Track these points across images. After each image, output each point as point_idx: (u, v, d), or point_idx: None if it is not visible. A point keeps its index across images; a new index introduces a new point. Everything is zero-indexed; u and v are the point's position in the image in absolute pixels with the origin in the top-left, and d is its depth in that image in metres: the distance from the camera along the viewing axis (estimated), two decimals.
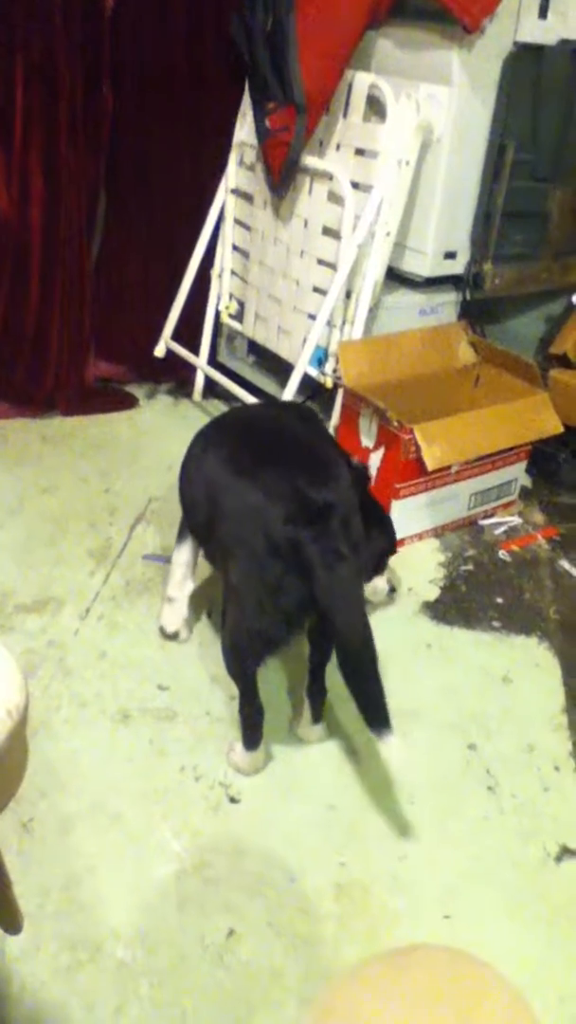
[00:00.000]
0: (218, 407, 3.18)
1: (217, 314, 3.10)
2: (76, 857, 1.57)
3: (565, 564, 2.49)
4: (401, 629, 2.19)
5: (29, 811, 1.64)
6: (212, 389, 3.19)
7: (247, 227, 2.92)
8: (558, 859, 1.66)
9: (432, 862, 1.63)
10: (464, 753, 1.87)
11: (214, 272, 3.06)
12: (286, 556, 1.49)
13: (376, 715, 1.54)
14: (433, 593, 2.33)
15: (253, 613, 1.58)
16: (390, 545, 2.17)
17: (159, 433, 3.00)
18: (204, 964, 1.43)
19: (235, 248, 3.01)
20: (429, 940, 1.49)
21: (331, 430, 2.59)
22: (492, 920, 1.55)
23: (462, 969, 0.85)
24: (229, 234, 2.98)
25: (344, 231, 2.47)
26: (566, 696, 2.04)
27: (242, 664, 1.67)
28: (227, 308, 3.07)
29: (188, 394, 3.23)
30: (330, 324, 2.59)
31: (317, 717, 1.79)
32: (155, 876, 1.55)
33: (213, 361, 3.19)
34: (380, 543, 2.12)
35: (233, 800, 1.71)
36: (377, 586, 2.18)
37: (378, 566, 2.16)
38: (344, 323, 2.59)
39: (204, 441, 1.81)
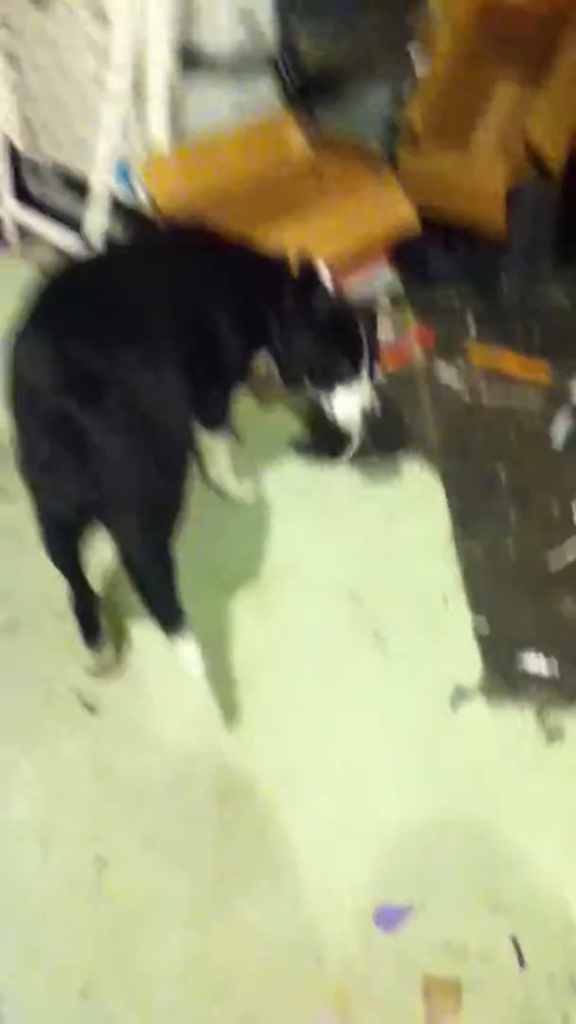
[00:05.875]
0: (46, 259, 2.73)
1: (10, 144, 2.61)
2: None
3: (444, 376, 2.25)
4: (271, 475, 1.96)
5: None
6: (30, 235, 2.73)
7: (8, 27, 2.39)
8: (454, 703, 1.53)
9: (325, 738, 1.49)
10: (349, 609, 1.69)
11: None
12: (55, 432, 1.21)
13: (161, 620, 1.33)
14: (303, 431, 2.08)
15: (35, 495, 1.33)
16: (352, 355, 1.67)
17: None
18: (75, 902, 1.28)
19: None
20: (328, 828, 1.35)
21: None
22: (396, 786, 1.43)
23: None
24: None
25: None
26: (451, 520, 1.86)
27: (51, 554, 1.43)
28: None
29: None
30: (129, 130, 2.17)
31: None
32: (11, 816, 1.37)
33: (25, 199, 2.70)
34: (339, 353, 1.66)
35: (92, 710, 1.50)
36: (347, 409, 1.72)
37: (332, 379, 1.69)
38: (144, 126, 2.17)
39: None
